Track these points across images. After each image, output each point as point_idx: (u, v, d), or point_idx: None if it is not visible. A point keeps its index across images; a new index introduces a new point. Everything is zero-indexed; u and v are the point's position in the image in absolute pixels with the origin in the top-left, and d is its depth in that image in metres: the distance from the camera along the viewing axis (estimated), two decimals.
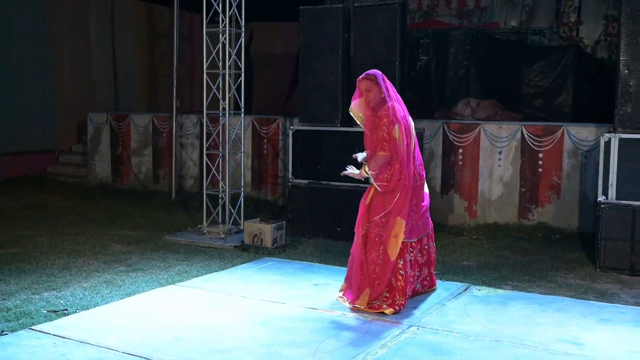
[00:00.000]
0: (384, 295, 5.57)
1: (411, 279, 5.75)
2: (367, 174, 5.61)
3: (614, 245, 7.13)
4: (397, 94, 5.71)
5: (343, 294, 5.83)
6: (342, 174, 5.93)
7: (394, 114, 5.48)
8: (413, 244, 5.74)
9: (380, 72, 5.64)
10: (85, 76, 14.55)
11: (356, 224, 5.75)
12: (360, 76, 5.64)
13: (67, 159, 14.12)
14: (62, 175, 13.56)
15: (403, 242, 5.55)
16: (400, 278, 5.57)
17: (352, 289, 5.72)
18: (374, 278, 5.58)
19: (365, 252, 5.63)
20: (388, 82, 5.65)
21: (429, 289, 6.12)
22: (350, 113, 5.80)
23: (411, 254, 5.72)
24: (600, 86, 12.07)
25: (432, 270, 6.14)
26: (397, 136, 5.45)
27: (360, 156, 5.83)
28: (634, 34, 7.06)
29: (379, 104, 5.54)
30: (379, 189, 5.54)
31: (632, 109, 7.11)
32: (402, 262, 5.58)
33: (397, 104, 5.60)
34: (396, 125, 5.45)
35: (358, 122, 5.78)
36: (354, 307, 5.60)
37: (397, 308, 5.51)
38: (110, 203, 11.01)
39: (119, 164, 12.85)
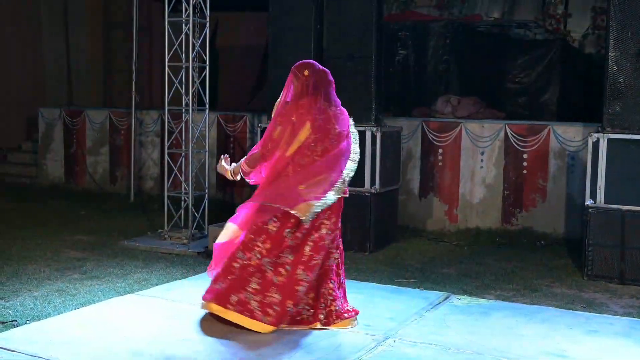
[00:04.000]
0: None
1: None
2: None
3: (602, 252, 7.21)
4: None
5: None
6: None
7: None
8: None
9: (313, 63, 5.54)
10: (35, 68, 14.37)
11: None
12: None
13: (15, 158, 13.95)
14: (10, 176, 13.39)
15: None
16: None
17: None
18: None
19: None
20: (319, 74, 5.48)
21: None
22: None
23: None
24: (588, 83, 12.20)
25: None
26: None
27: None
28: (623, 27, 7.06)
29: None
30: None
31: (622, 107, 7.15)
32: None
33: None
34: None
35: None
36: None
37: None
38: (63, 206, 10.90)
39: (73, 164, 12.72)
